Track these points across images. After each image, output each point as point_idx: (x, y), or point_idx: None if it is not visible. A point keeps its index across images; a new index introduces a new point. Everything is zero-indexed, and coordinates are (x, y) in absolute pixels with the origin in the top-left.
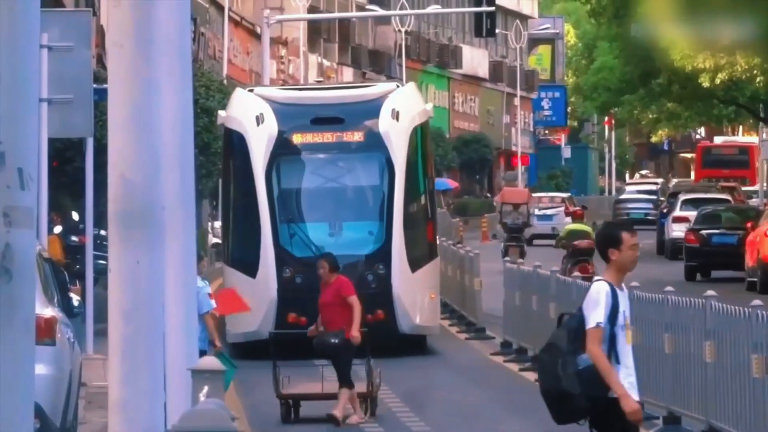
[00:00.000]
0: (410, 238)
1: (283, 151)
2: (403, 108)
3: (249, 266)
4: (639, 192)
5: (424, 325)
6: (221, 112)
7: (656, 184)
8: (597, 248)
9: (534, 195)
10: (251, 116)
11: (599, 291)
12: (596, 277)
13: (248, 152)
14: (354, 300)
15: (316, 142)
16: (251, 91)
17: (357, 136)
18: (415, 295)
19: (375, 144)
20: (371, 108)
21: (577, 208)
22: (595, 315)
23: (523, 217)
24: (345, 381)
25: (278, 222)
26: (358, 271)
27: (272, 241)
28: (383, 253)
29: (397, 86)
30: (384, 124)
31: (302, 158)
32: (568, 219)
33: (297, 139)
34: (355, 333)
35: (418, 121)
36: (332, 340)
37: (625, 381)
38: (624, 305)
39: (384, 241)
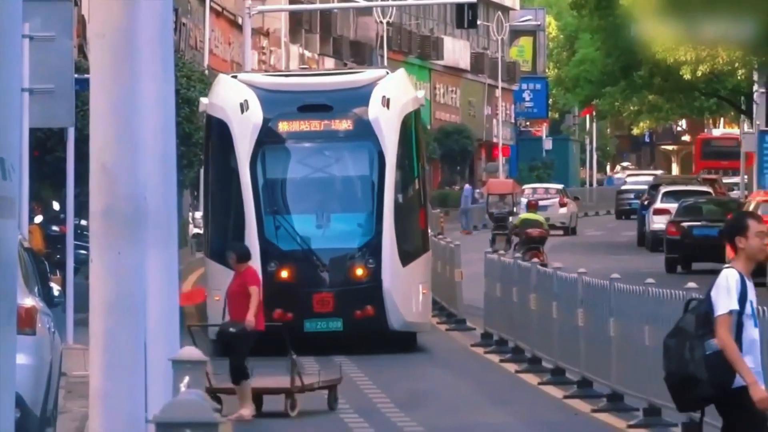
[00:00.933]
0: (401, 230)
1: (268, 139)
2: (393, 95)
3: None
4: (640, 183)
5: (415, 322)
6: (203, 99)
7: (655, 175)
8: (725, 238)
9: (529, 186)
10: (235, 103)
11: (730, 278)
12: (726, 265)
13: (232, 141)
14: (254, 291)
15: (303, 130)
16: (235, 77)
17: (346, 124)
18: (406, 290)
19: (364, 132)
20: (361, 95)
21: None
22: (727, 301)
23: (509, 207)
24: (239, 374)
25: (263, 214)
26: (346, 264)
27: (257, 233)
28: (373, 246)
29: (387, 73)
30: (374, 111)
31: (288, 147)
32: (563, 210)
33: (283, 127)
34: (250, 317)
35: (409, 109)
36: (230, 330)
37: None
38: (752, 295)
39: (374, 234)
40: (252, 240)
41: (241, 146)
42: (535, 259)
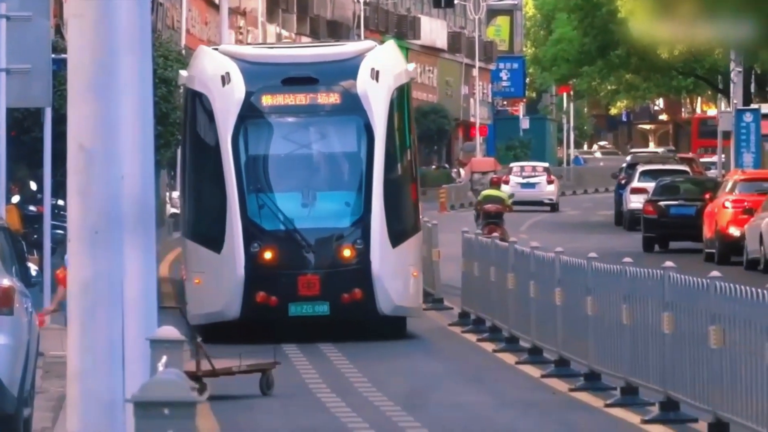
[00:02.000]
0: (391, 209)
1: (251, 113)
2: (383, 67)
3: (213, 240)
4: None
5: (405, 306)
6: (183, 72)
7: (656, 152)
8: None
9: (517, 164)
10: (216, 76)
11: None
12: None
13: (213, 115)
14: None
15: (287, 104)
16: (216, 49)
17: (333, 98)
18: (396, 273)
19: (352, 106)
20: (348, 67)
21: (501, 176)
22: None
23: None
24: None
25: (246, 192)
26: (333, 245)
27: (239, 212)
28: (361, 226)
29: (376, 45)
30: (362, 84)
31: (272, 122)
32: (551, 187)
33: (267, 100)
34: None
35: (399, 82)
36: None
37: None
38: None
39: (362, 213)
40: (234, 219)
41: (222, 121)
42: (495, 234)
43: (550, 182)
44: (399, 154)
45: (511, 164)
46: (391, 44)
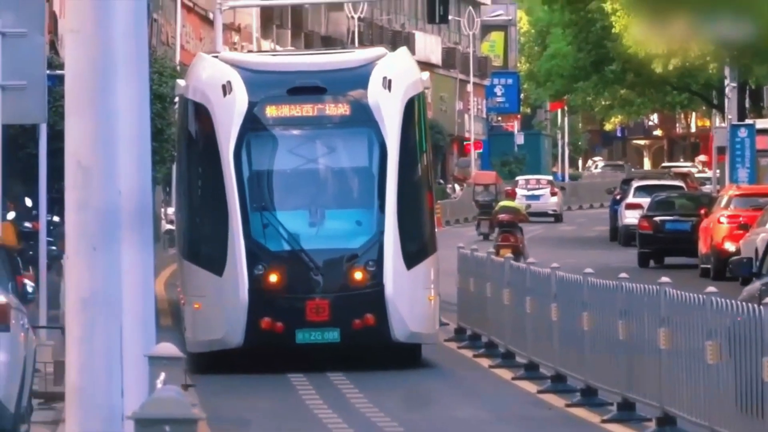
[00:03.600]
0: (405, 228)
1: (254, 126)
2: (395, 76)
3: (213, 262)
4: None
5: (421, 332)
6: (180, 81)
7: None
8: None
9: (522, 178)
10: (217, 85)
11: None
12: None
13: (213, 127)
14: None
15: (293, 115)
16: (216, 56)
17: (342, 109)
18: (411, 296)
19: (363, 118)
20: (359, 76)
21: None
22: None
23: (492, 195)
24: None
25: (249, 210)
26: (343, 267)
27: (242, 232)
28: (374, 247)
29: (387, 52)
30: (374, 94)
31: (277, 134)
32: (554, 198)
33: (271, 111)
34: None
35: (413, 92)
36: None
37: None
38: None
39: (374, 233)
40: (236, 239)
41: (223, 134)
42: (508, 242)
43: (553, 194)
44: (413, 169)
45: (517, 177)
46: (404, 51)
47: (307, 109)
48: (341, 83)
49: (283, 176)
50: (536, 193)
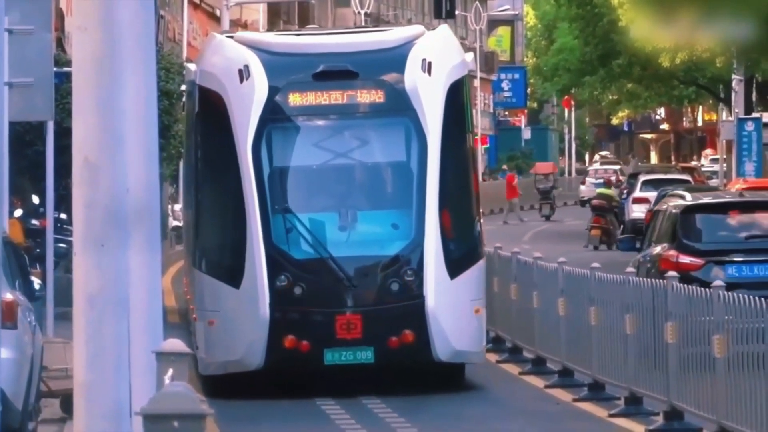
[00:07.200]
0: (448, 232)
1: (275, 115)
2: (436, 58)
3: (230, 273)
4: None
5: (466, 351)
6: (190, 65)
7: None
8: None
9: (592, 168)
10: (233, 69)
11: None
12: None
13: (228, 118)
14: None
15: (320, 103)
16: (231, 37)
17: (375, 96)
18: (455, 310)
19: (400, 106)
20: (394, 58)
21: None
22: None
23: (550, 183)
24: None
25: (270, 212)
26: (378, 277)
27: (262, 238)
28: (413, 254)
29: (426, 30)
30: (412, 78)
31: (302, 125)
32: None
33: (294, 99)
34: None
35: (456, 75)
36: None
37: None
38: None
39: (413, 237)
40: (256, 247)
41: (240, 125)
42: (598, 223)
43: (619, 183)
44: (457, 164)
45: (588, 167)
46: (444, 29)
47: (336, 97)
48: (374, 66)
49: (309, 173)
50: (602, 181)
